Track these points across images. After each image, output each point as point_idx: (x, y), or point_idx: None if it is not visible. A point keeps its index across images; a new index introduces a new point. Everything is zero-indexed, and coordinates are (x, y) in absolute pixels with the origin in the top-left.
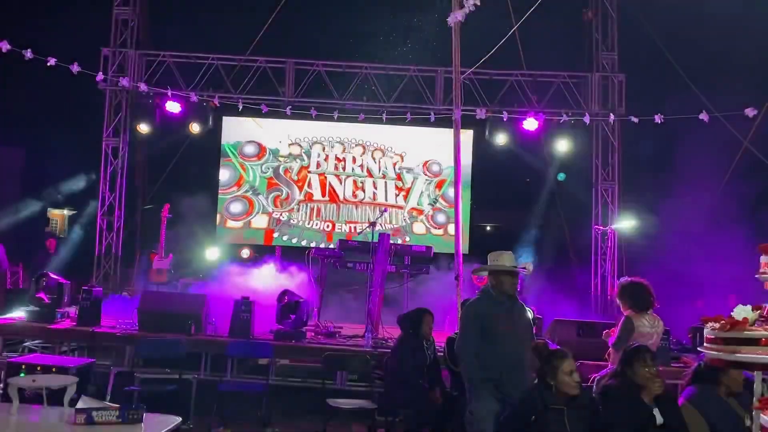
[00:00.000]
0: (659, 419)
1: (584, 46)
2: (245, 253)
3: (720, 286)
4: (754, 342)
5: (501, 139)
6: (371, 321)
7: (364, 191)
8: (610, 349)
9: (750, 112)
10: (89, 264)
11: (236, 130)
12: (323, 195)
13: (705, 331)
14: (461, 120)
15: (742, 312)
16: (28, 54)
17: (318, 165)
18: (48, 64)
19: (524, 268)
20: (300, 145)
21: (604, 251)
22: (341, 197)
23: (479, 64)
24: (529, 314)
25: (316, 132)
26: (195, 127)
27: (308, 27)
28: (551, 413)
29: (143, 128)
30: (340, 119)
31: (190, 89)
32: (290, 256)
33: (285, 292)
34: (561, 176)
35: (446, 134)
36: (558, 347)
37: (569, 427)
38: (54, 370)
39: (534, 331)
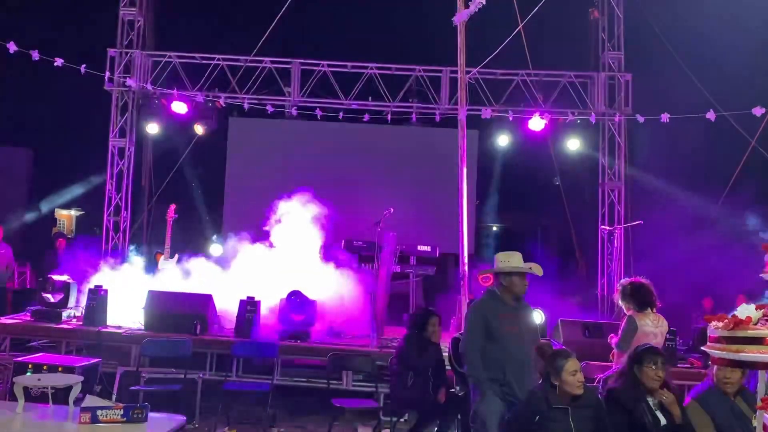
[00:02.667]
0: (663, 420)
1: (590, 46)
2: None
3: (729, 286)
4: (758, 341)
5: (506, 139)
6: (376, 321)
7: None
8: (614, 350)
9: (758, 111)
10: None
11: (242, 130)
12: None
13: (708, 330)
14: (467, 120)
15: (745, 311)
16: (35, 55)
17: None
18: (55, 64)
19: (530, 269)
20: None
21: (611, 251)
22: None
23: (484, 64)
24: (538, 315)
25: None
26: (201, 128)
27: (314, 27)
28: (555, 413)
29: (151, 129)
30: (345, 119)
31: (196, 90)
32: None
33: (294, 293)
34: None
35: (451, 134)
36: (563, 347)
37: (574, 426)
38: (60, 369)
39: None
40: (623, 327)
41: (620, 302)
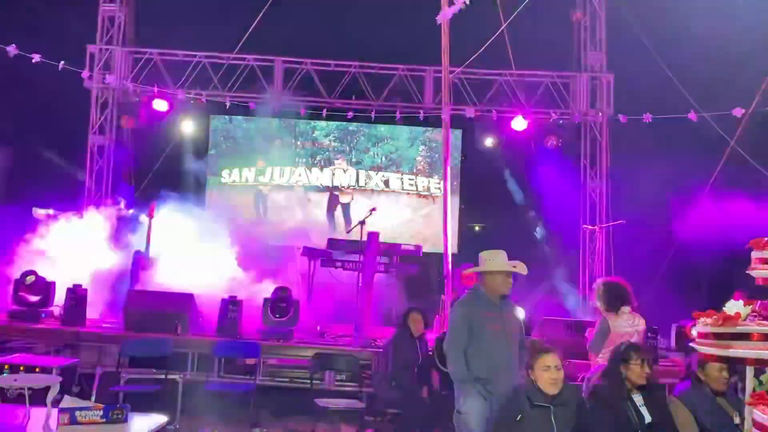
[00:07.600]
0: (648, 418)
1: (572, 46)
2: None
3: (713, 284)
4: (746, 337)
5: (490, 138)
6: (360, 321)
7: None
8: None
9: (737, 112)
10: None
11: (223, 129)
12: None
13: (697, 326)
14: (450, 119)
15: (734, 307)
16: (13, 50)
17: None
18: (33, 60)
19: (514, 267)
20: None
21: (593, 251)
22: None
23: (468, 63)
24: (520, 314)
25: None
26: (182, 126)
27: (297, 25)
28: (537, 411)
29: (126, 122)
30: (328, 117)
31: (177, 87)
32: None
33: (278, 290)
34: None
35: (435, 134)
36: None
37: (556, 425)
38: (38, 370)
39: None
40: (596, 329)
41: (596, 302)
